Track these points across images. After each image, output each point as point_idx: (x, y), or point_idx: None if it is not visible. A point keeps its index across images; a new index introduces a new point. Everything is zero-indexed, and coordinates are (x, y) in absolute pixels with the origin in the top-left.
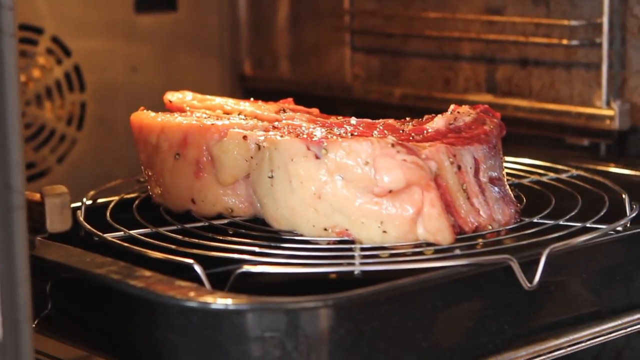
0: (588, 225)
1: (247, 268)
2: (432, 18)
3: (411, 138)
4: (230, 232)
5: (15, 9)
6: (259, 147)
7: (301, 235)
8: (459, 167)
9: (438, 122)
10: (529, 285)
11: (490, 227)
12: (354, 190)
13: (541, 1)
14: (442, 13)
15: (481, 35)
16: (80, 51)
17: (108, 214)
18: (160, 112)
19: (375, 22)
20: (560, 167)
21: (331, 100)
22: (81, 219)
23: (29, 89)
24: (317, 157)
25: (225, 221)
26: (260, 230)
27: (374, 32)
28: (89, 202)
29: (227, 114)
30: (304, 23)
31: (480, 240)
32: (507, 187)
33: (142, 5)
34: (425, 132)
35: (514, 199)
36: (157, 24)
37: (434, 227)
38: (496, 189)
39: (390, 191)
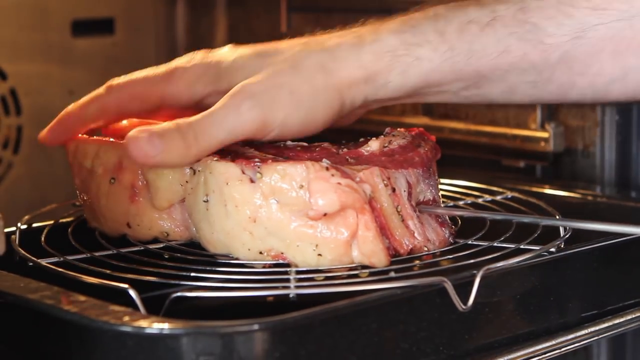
0: (522, 246)
1: (182, 293)
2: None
3: (347, 160)
4: (166, 256)
5: None
6: (194, 172)
7: (237, 259)
8: (394, 190)
9: (373, 145)
10: (463, 307)
11: (425, 249)
12: (289, 213)
13: None
14: None
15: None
16: (16, 74)
17: (43, 238)
18: (96, 137)
19: None
20: (495, 189)
21: None
22: (15, 244)
23: None
24: (252, 181)
25: (161, 245)
26: (196, 254)
27: None
28: (24, 226)
29: None
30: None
31: (415, 262)
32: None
33: (79, 28)
34: (360, 155)
35: (448, 220)
36: (94, 47)
37: (369, 250)
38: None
39: (325, 214)
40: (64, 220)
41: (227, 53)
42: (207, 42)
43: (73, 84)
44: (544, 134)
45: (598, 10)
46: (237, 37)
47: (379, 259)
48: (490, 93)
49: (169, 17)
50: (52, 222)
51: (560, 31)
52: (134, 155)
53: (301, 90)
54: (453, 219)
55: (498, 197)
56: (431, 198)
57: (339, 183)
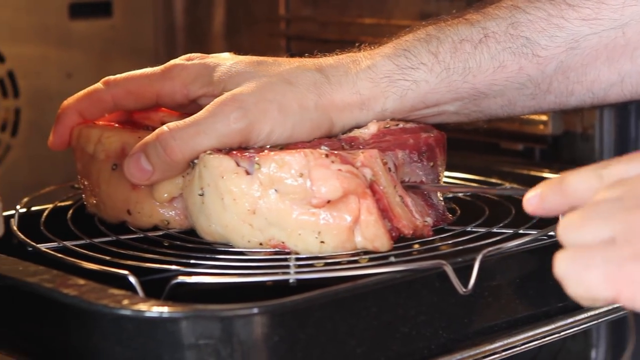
0: (520, 231)
1: (182, 279)
2: (368, 24)
3: (342, 146)
4: (166, 244)
5: None
6: (192, 164)
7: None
8: (390, 170)
9: (371, 128)
10: (463, 290)
11: (426, 223)
12: (290, 202)
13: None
14: (377, 19)
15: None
16: (13, 57)
17: (42, 222)
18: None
19: (311, 28)
20: (493, 180)
21: None
22: (14, 227)
23: None
24: (247, 173)
25: (161, 233)
26: (195, 242)
27: (309, 38)
28: (23, 209)
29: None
30: (240, 29)
31: (415, 247)
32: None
33: (77, 11)
34: (354, 140)
35: (435, 201)
36: (91, 29)
37: (372, 234)
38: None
39: (329, 201)
40: (62, 203)
41: (225, 58)
42: (205, 24)
43: (71, 66)
44: (543, 117)
45: (589, 21)
46: (235, 19)
47: (382, 243)
48: (489, 108)
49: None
50: (51, 205)
51: (554, 43)
52: (136, 183)
53: (291, 107)
54: (452, 208)
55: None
56: (417, 181)
57: (339, 169)
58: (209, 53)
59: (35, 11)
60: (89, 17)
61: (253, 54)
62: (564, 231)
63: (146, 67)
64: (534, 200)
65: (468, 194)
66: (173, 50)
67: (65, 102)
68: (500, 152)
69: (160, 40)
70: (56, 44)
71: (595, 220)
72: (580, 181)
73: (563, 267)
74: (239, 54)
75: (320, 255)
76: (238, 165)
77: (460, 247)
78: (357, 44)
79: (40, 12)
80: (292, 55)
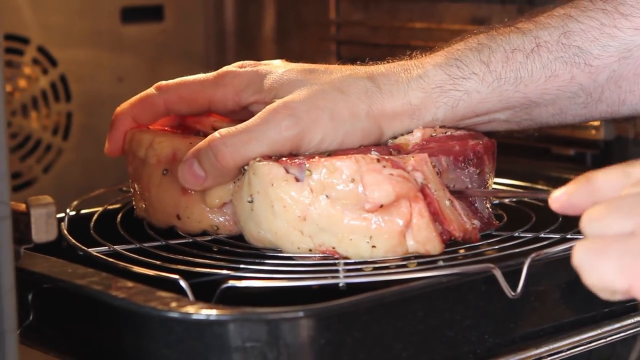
0: (568, 236)
1: (232, 283)
2: (418, 28)
3: (390, 152)
4: (215, 249)
5: (2, 19)
6: (242, 170)
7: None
8: (439, 174)
9: (416, 134)
10: (512, 293)
11: (474, 226)
12: (341, 208)
13: (526, 11)
14: (428, 23)
15: (454, 40)
16: (66, 61)
17: (92, 226)
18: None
19: (362, 32)
20: (539, 187)
21: None
22: (65, 231)
23: (14, 99)
24: (297, 180)
25: (209, 238)
26: (244, 247)
27: (360, 42)
28: (72, 212)
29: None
30: (290, 33)
31: (461, 252)
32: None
33: (129, 15)
34: (399, 146)
35: (479, 207)
36: (143, 34)
37: (424, 237)
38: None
39: (382, 206)
40: (111, 207)
41: (277, 66)
42: (255, 28)
43: (122, 70)
44: (595, 122)
45: None
46: (285, 24)
47: (434, 246)
48: (540, 117)
49: (217, 4)
50: (100, 209)
51: (606, 52)
52: (189, 188)
53: (342, 115)
54: (499, 215)
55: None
56: (463, 188)
57: (391, 174)
58: (259, 57)
59: (88, 16)
60: (141, 22)
61: (303, 59)
62: (586, 222)
63: (196, 71)
64: (561, 198)
65: (514, 199)
66: (223, 55)
67: (119, 108)
68: (552, 158)
69: (210, 44)
70: (108, 48)
71: (618, 213)
72: (607, 179)
73: (579, 255)
74: (290, 60)
75: (369, 259)
76: (287, 172)
77: (508, 252)
78: (408, 52)
79: (93, 17)
80: (342, 61)
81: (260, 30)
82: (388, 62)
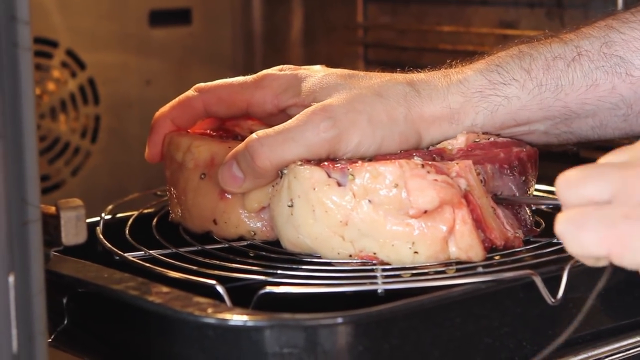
0: None
1: (270, 289)
2: (446, 32)
3: (433, 157)
4: (251, 254)
5: (31, 23)
6: (281, 174)
7: (321, 257)
8: (483, 181)
9: (459, 139)
10: (552, 300)
11: (517, 235)
12: (384, 213)
13: (555, 15)
14: (455, 27)
15: (495, 49)
16: (94, 64)
17: (127, 231)
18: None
19: (389, 36)
20: None
21: None
22: (101, 236)
23: (43, 102)
24: (339, 184)
25: (245, 243)
26: (280, 252)
27: (387, 46)
28: (108, 216)
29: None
30: (318, 36)
31: (499, 259)
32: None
33: (157, 18)
34: (442, 152)
35: (522, 215)
36: (171, 37)
37: (466, 244)
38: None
39: (425, 211)
40: (146, 211)
41: (317, 70)
42: (282, 31)
43: (150, 73)
44: None
45: None
46: (312, 27)
47: (476, 253)
48: (580, 129)
49: (245, 7)
50: (135, 213)
51: None
52: (228, 191)
53: (380, 118)
54: (537, 221)
55: None
56: (510, 195)
57: (435, 180)
58: (286, 61)
59: (116, 19)
60: (169, 25)
61: (330, 62)
62: (564, 188)
63: (224, 74)
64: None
65: (551, 206)
66: (251, 58)
67: (158, 112)
68: (581, 161)
69: (238, 47)
70: (136, 51)
71: (595, 181)
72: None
73: (561, 226)
74: (321, 64)
75: (410, 265)
76: (329, 176)
77: (546, 258)
78: (449, 60)
79: (121, 20)
80: (370, 63)
81: (288, 34)
82: (428, 71)
